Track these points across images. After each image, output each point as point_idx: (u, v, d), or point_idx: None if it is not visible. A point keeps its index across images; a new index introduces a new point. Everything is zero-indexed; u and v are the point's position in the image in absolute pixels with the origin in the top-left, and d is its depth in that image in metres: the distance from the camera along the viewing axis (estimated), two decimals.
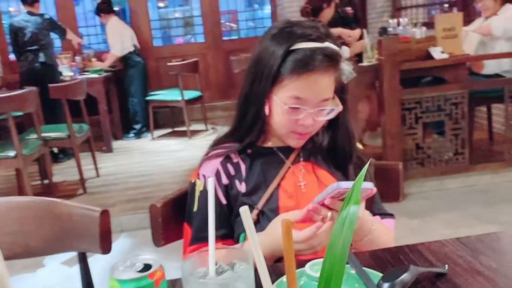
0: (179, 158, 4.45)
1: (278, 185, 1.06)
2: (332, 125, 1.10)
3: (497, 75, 3.62)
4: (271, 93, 1.02)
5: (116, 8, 5.42)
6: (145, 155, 4.70)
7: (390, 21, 3.75)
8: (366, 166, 0.57)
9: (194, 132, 5.36)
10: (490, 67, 3.63)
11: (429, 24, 4.26)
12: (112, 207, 3.35)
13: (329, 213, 0.91)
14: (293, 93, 1.00)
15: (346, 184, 0.86)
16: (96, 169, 4.05)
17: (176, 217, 1.12)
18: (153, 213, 1.09)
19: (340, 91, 1.07)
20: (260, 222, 1.03)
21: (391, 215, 1.17)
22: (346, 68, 1.04)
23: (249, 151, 1.09)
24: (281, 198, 1.04)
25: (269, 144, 1.11)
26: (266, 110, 1.03)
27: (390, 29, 3.64)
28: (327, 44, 1.01)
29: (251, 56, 1.07)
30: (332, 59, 1.01)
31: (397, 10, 5.83)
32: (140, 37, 5.92)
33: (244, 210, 0.57)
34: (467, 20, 3.76)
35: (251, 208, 1.03)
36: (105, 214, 1.05)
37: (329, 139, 1.10)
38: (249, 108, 1.06)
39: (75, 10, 6.21)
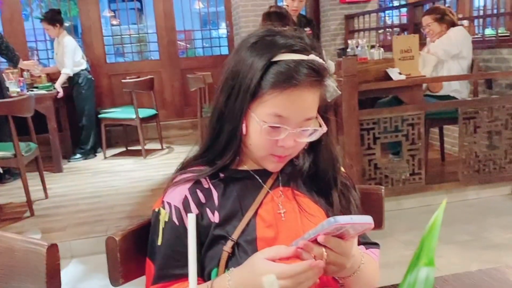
0: (134, 178, 4.29)
1: (256, 213, 0.94)
2: (314, 147, 0.99)
3: (448, 96, 3.71)
4: (248, 110, 0.91)
5: (67, 24, 5.23)
6: (97, 175, 4.50)
7: (350, 42, 3.78)
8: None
9: (149, 151, 5.21)
10: (443, 88, 3.73)
11: (381, 47, 4.36)
12: (61, 231, 3.16)
13: (324, 252, 0.81)
14: (274, 110, 0.88)
15: (344, 219, 0.76)
16: (45, 190, 3.83)
17: (137, 252, 0.99)
18: (110, 248, 0.96)
19: (324, 110, 0.96)
20: (236, 256, 0.90)
21: (375, 244, 1.09)
22: (331, 84, 0.94)
23: (221, 175, 0.96)
24: (259, 227, 0.92)
25: (244, 167, 0.99)
26: (243, 129, 0.92)
27: (348, 50, 3.67)
28: (312, 56, 0.90)
29: (226, 68, 0.95)
30: (318, 74, 0.89)
31: (349, 33, 5.95)
32: (92, 54, 5.75)
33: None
34: (420, 43, 3.86)
35: (226, 239, 0.91)
36: (53, 249, 0.88)
37: (311, 163, 1.00)
38: (224, 127, 0.93)
39: (24, 25, 5.96)
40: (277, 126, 0.89)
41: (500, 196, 3.57)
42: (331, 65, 0.82)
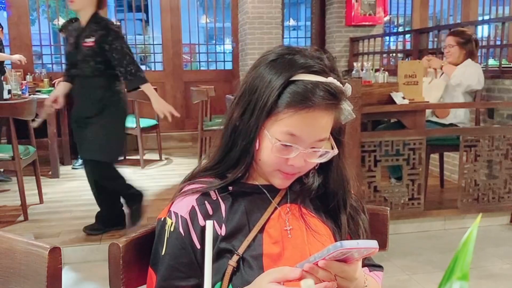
0: None
1: (263, 228, 0.93)
2: (325, 168, 0.99)
3: (452, 125, 3.71)
4: (262, 126, 0.91)
5: None
6: None
7: (355, 64, 3.80)
8: None
9: (147, 162, 5.19)
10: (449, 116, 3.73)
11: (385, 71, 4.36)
12: (54, 237, 3.13)
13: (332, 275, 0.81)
14: (287, 129, 0.89)
15: (351, 244, 0.76)
16: (40, 195, 3.79)
17: (140, 260, 0.97)
18: (113, 254, 0.94)
19: (337, 132, 0.96)
20: (240, 270, 0.89)
21: (380, 267, 1.08)
22: (347, 108, 0.93)
23: (230, 188, 0.95)
24: (266, 243, 0.92)
25: (253, 181, 0.98)
26: (257, 145, 0.92)
27: (353, 72, 3.68)
28: (330, 79, 0.90)
29: (243, 82, 0.95)
30: (335, 97, 0.89)
31: (353, 56, 6.00)
32: None
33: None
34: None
35: (231, 253, 0.90)
36: (55, 252, 0.86)
37: (320, 183, 1.00)
38: (237, 141, 0.93)
39: (30, 29, 5.99)
40: (289, 145, 0.89)
41: (498, 226, 3.55)
42: (348, 88, 0.82)
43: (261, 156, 0.92)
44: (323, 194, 1.00)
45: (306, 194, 0.99)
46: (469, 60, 3.68)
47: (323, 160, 0.93)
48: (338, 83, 0.90)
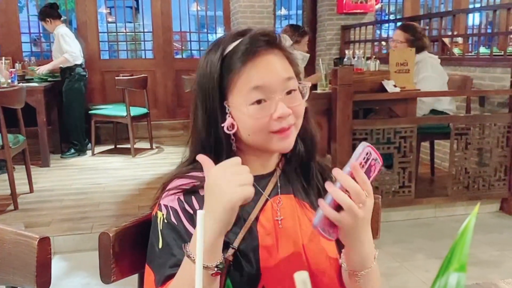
0: (121, 176, 4.24)
1: (257, 220, 0.92)
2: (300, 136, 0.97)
3: (435, 111, 3.70)
4: (227, 105, 0.89)
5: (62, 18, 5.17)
6: (84, 172, 4.45)
7: (347, 52, 3.78)
8: None
9: (138, 150, 5.17)
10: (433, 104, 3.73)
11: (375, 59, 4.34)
12: (45, 226, 3.11)
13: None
14: (248, 85, 0.87)
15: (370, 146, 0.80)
16: (30, 184, 3.77)
17: (131, 250, 0.96)
18: (103, 243, 0.93)
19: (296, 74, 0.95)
20: (237, 263, 0.88)
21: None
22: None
23: None
24: (261, 235, 0.91)
25: None
26: (227, 123, 0.89)
27: (345, 60, 3.66)
28: (256, 28, 0.93)
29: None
30: (270, 36, 0.90)
31: (345, 44, 5.98)
32: (87, 49, 5.70)
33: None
34: None
35: (226, 246, 0.88)
36: (44, 241, 0.86)
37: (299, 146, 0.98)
38: (209, 130, 0.92)
39: (18, 16, 5.90)
40: (262, 99, 0.87)
41: (488, 213, 3.59)
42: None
43: (248, 131, 0.89)
44: (306, 169, 0.99)
45: (296, 179, 0.98)
46: (417, 56, 3.60)
47: (304, 97, 0.92)
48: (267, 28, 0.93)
